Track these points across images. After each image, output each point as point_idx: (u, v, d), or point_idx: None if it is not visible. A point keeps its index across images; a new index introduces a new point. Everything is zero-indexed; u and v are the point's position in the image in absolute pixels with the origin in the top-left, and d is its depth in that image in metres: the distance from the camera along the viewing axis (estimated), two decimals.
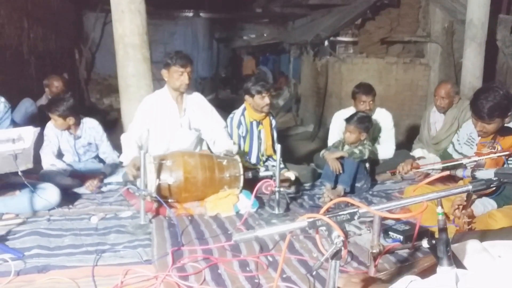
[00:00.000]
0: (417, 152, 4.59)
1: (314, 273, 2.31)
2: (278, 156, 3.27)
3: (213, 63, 15.45)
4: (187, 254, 2.58)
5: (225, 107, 5.86)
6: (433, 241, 1.51)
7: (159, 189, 3.20)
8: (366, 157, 3.87)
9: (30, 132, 2.58)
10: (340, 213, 1.33)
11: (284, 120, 10.76)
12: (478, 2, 6.01)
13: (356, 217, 1.35)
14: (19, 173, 2.62)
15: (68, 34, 10.26)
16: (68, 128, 3.93)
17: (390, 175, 4.31)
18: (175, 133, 3.77)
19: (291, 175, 3.79)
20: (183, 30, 13.84)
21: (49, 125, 3.89)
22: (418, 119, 6.01)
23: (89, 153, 4.08)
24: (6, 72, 5.90)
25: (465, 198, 2.63)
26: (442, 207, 1.50)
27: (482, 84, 5.92)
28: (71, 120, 3.87)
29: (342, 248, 1.25)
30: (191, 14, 13.46)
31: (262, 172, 3.57)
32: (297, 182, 3.98)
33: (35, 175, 3.61)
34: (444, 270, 1.35)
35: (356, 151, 3.83)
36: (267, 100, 3.91)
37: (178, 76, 3.62)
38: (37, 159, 3.57)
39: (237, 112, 4.09)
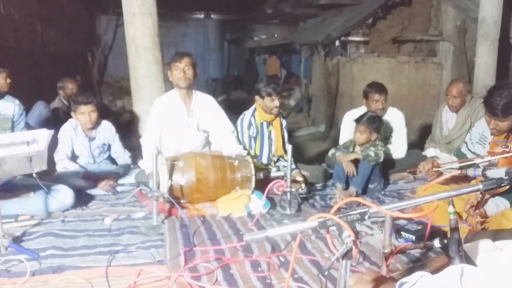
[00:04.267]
0: (429, 151, 4.56)
1: (326, 273, 2.31)
2: (289, 157, 3.28)
3: (224, 64, 15.49)
4: (199, 255, 2.60)
5: (236, 108, 5.87)
6: (445, 241, 1.51)
7: (171, 190, 3.22)
8: (381, 160, 3.84)
9: (44, 135, 2.61)
10: (350, 213, 1.33)
11: (295, 120, 10.75)
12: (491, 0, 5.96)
13: (366, 217, 1.35)
14: (34, 175, 2.66)
15: (80, 37, 10.37)
16: (95, 124, 3.96)
17: (407, 174, 4.31)
18: (184, 134, 3.80)
19: (299, 177, 3.80)
20: (194, 31, 13.91)
21: (63, 128, 3.92)
22: (430, 119, 5.96)
23: (103, 154, 4.11)
24: (20, 75, 5.97)
25: (479, 197, 2.61)
26: (454, 207, 1.50)
27: (495, 82, 5.86)
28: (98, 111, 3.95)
29: (353, 247, 1.25)
30: (202, 16, 13.52)
31: (273, 173, 3.58)
32: (309, 183, 3.98)
33: (49, 177, 3.66)
34: None
35: (371, 153, 3.78)
36: (276, 102, 3.91)
37: (176, 71, 3.71)
38: (51, 161, 3.61)
39: (247, 113, 4.10)
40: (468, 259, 1.52)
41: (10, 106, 3.39)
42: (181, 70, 3.69)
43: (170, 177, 3.23)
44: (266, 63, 16.01)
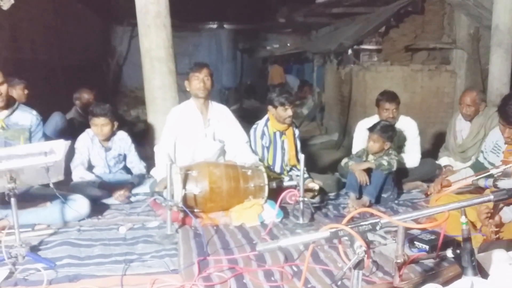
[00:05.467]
0: (443, 160, 4.54)
1: (339, 283, 2.31)
2: (302, 166, 3.29)
3: (237, 73, 15.57)
4: (212, 264, 2.62)
5: (249, 117, 5.89)
6: (458, 251, 1.52)
7: (185, 199, 3.25)
8: (394, 169, 3.83)
9: (61, 145, 2.65)
10: (362, 223, 1.35)
11: (308, 129, 10.74)
12: (504, 7, 5.92)
13: (378, 227, 1.36)
14: (51, 185, 2.70)
15: (95, 48, 10.52)
16: (110, 137, 4.02)
17: (421, 183, 4.31)
18: (200, 144, 3.83)
19: (315, 185, 3.80)
20: (208, 41, 14.02)
21: (80, 138, 3.99)
22: (444, 127, 5.93)
23: (118, 164, 4.16)
24: (36, 85, 6.07)
25: (490, 206, 2.59)
26: (466, 217, 1.50)
27: (509, 90, 5.81)
28: (115, 125, 4.00)
29: (365, 258, 1.27)
30: (215, 26, 13.64)
31: (286, 182, 3.59)
32: (322, 192, 3.99)
33: (65, 187, 3.71)
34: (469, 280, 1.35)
35: (384, 162, 3.77)
36: (289, 112, 3.93)
37: (195, 81, 3.75)
38: (67, 171, 3.67)
39: (261, 123, 4.12)
40: (481, 269, 1.52)
41: (27, 117, 3.44)
42: (201, 80, 3.73)
43: (184, 187, 3.26)
44: (269, 73, 15.84)
